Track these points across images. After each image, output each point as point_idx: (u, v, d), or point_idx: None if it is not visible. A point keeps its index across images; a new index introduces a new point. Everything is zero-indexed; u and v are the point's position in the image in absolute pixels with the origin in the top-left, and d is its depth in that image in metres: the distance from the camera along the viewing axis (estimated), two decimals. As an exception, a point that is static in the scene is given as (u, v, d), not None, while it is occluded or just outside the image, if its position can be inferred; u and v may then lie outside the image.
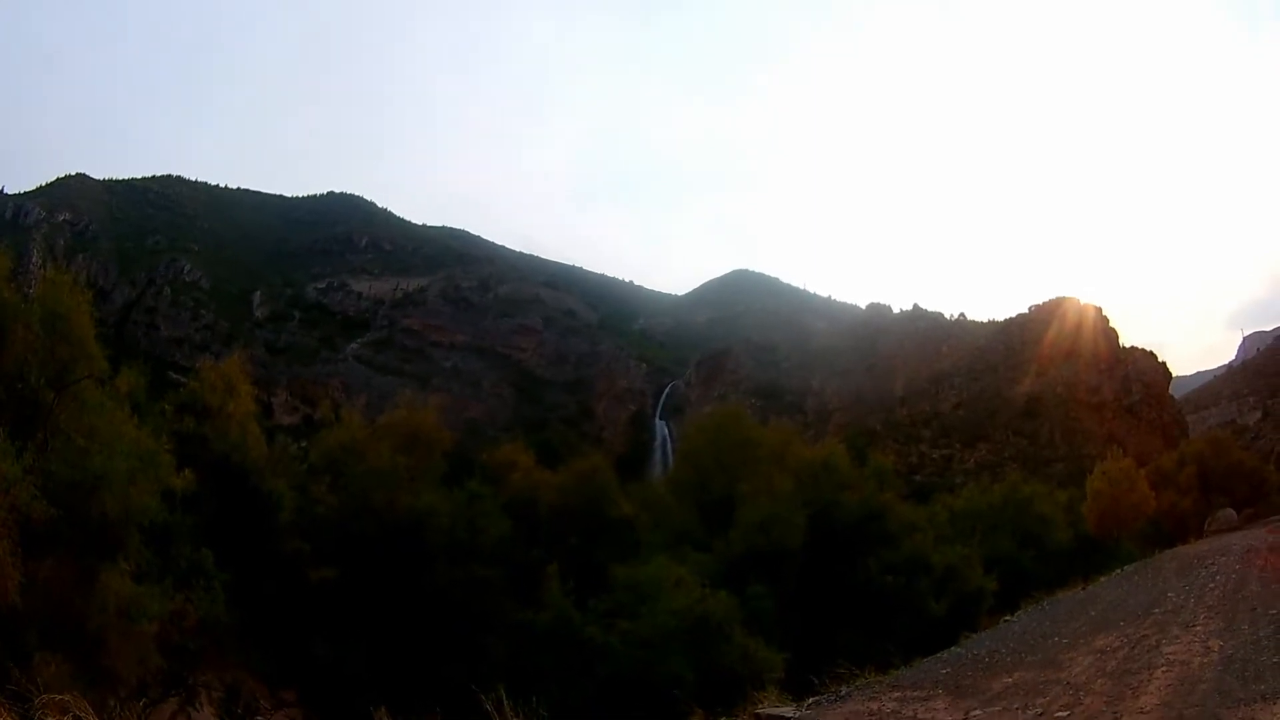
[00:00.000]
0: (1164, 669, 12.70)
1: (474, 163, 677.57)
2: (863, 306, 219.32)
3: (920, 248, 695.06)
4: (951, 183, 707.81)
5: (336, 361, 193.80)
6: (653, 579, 25.68)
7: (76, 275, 23.45)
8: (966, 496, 60.83)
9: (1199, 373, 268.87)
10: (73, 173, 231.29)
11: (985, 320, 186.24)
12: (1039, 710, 11.25)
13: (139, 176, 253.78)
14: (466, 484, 33.38)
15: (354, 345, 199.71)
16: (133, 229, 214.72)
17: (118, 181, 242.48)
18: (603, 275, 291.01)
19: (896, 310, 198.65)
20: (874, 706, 12.46)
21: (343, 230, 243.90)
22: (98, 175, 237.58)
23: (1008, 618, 24.61)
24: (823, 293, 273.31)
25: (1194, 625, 16.24)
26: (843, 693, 14.41)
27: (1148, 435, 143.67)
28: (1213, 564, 26.73)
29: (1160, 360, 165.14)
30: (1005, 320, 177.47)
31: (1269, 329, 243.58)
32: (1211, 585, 21.93)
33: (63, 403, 18.18)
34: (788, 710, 13.15)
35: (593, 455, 44.67)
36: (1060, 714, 10.91)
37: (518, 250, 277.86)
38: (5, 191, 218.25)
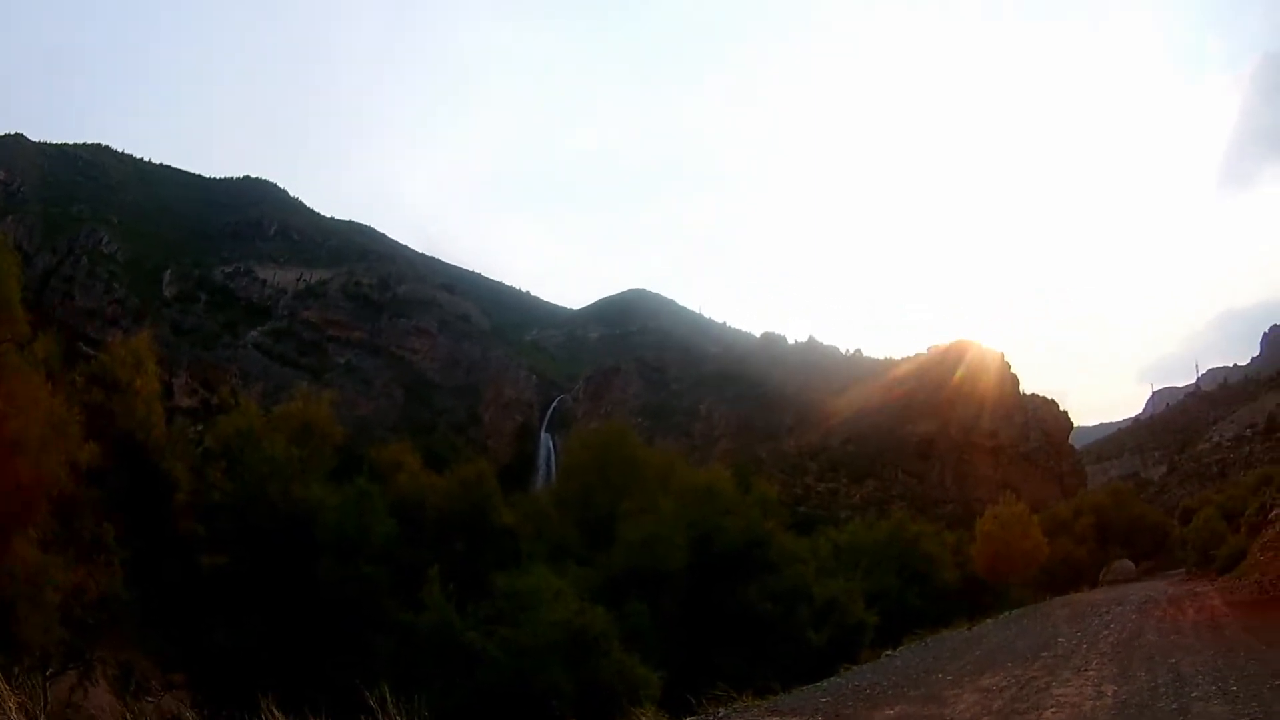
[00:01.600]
0: (1053, 709, 12.89)
1: (387, 156, 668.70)
2: (757, 335, 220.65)
3: (819, 280, 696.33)
4: (851, 218, 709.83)
5: (237, 347, 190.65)
6: (533, 589, 25.76)
7: (4, 237, 22.89)
8: (851, 531, 61.19)
9: (1102, 424, 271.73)
10: (11, 132, 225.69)
11: (882, 358, 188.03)
12: None
13: (71, 142, 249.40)
14: (355, 480, 33.27)
15: (254, 333, 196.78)
16: (62, 194, 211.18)
17: (52, 145, 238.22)
18: (500, 283, 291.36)
19: (792, 341, 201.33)
20: None
21: (255, 215, 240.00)
22: (35, 137, 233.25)
23: (889, 652, 25.05)
24: (718, 318, 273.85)
25: (1086, 670, 16.49)
26: (720, 714, 14.64)
27: (1044, 483, 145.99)
28: (1108, 613, 27.26)
29: (1061, 410, 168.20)
30: (902, 359, 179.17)
31: (1180, 385, 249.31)
32: (1106, 633, 22.33)
33: None
34: None
35: (477, 462, 44.56)
36: None
37: (420, 251, 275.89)
38: None
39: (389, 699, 11.36)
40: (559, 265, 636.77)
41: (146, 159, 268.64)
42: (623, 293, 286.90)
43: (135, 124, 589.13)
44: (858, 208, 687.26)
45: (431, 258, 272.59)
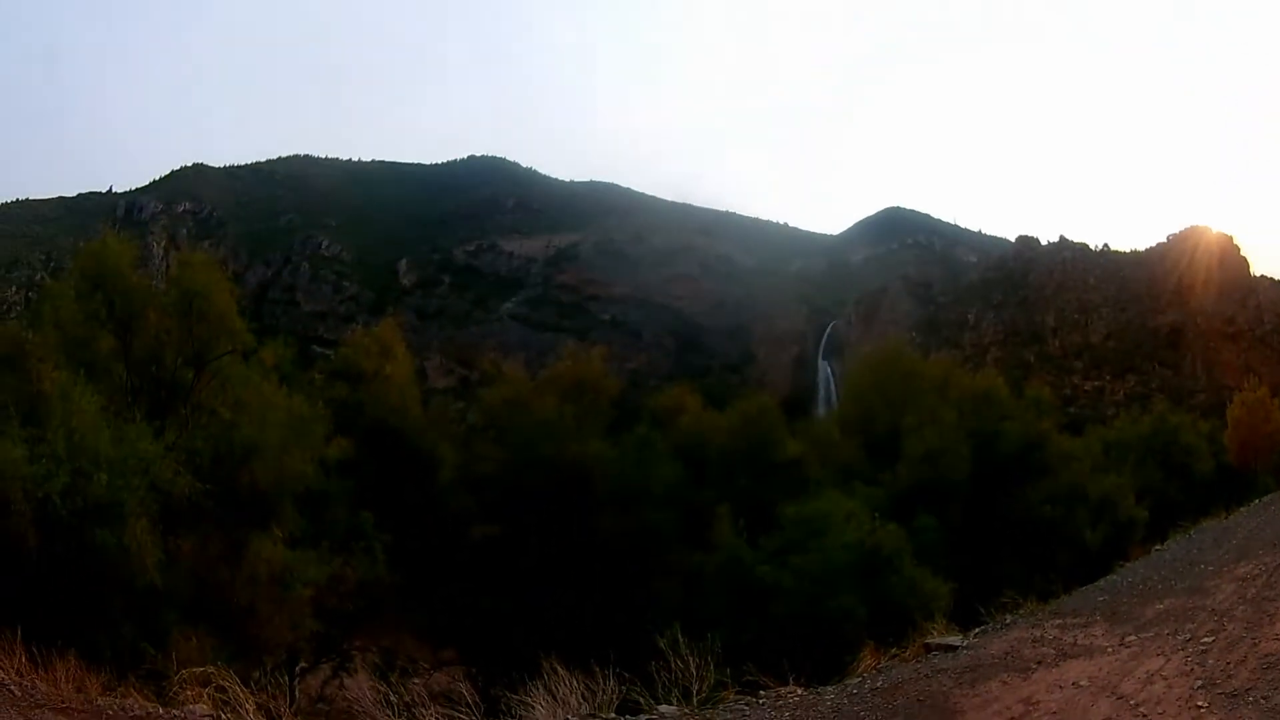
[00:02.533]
0: None
1: (616, 114, 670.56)
2: (1011, 239, 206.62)
3: (1062, 176, 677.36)
4: (1090, 110, 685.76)
5: (490, 322, 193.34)
6: (823, 514, 25.58)
7: (208, 256, 23.72)
8: (1119, 427, 60.09)
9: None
10: (189, 164, 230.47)
11: (1128, 250, 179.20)
12: (1187, 635, 11.54)
13: (263, 159, 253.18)
14: (635, 429, 33.63)
15: (508, 304, 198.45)
16: (261, 211, 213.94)
17: (240, 167, 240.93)
18: (756, 220, 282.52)
19: (1044, 242, 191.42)
20: (1037, 634, 12.80)
21: (488, 193, 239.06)
22: (216, 164, 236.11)
23: (1158, 547, 24.46)
24: (973, 227, 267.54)
25: None
26: (1007, 621, 14.76)
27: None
28: None
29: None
30: (1146, 250, 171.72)
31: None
32: None
33: (203, 380, 18.65)
34: (955, 639, 13.44)
35: (758, 396, 44.56)
36: (1206, 639, 11.20)
37: (669, 200, 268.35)
38: (115, 190, 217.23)
39: (680, 640, 11.60)
40: (813, 193, 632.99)
41: (355, 159, 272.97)
42: (878, 212, 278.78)
43: (334, 129, 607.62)
44: (1093, 102, 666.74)
45: (683, 204, 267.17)
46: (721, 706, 10.44)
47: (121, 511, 12.98)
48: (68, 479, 12.56)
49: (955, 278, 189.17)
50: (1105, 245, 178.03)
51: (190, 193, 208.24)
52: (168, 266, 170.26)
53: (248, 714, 8.75)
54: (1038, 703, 9.56)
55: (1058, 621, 13.68)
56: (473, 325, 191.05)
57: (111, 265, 19.08)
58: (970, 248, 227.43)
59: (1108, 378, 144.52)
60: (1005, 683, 10.36)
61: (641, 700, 10.54)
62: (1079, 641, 12.04)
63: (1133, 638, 11.84)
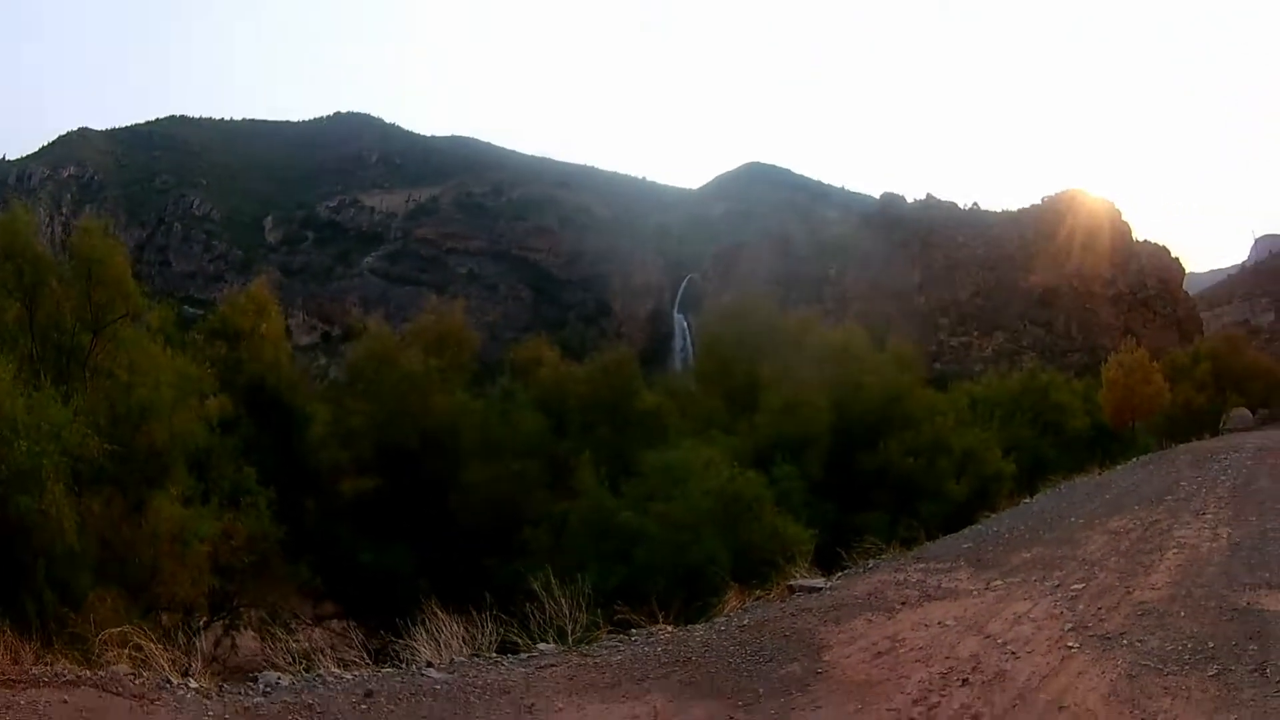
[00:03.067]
0: (1175, 551, 13.43)
1: (480, 69, 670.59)
2: (876, 196, 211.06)
3: (931, 137, 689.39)
4: (963, 70, 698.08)
5: (352, 277, 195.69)
6: (683, 462, 25.97)
7: (105, 222, 23.85)
8: (985, 383, 60.72)
9: (1213, 270, 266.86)
10: (75, 129, 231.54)
11: (999, 210, 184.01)
12: (1055, 582, 11.98)
13: (143, 121, 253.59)
14: (498, 381, 33.99)
15: (369, 259, 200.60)
16: (140, 173, 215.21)
17: (121, 129, 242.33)
18: (615, 173, 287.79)
19: (910, 200, 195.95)
20: (900, 576, 13.16)
21: (353, 148, 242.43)
22: (100, 127, 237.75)
23: (1026, 499, 25.26)
24: (836, 183, 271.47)
25: (1204, 514, 16.94)
26: (870, 565, 15.09)
27: (1162, 330, 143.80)
28: (1225, 459, 27.30)
29: (1173, 256, 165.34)
30: (1019, 210, 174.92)
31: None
32: (1223, 478, 22.51)
33: (100, 344, 18.77)
34: (819, 581, 13.75)
35: (617, 348, 45.09)
36: (1076, 586, 11.65)
37: (529, 154, 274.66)
38: (7, 159, 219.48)
39: (553, 583, 11.91)
40: (673, 147, 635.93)
41: (227, 118, 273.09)
42: (740, 167, 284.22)
43: (208, 89, 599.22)
44: (966, 61, 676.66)
45: (543, 158, 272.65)
46: (596, 644, 10.73)
47: (40, 477, 12.97)
48: None
49: (817, 233, 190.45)
50: (975, 204, 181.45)
51: (75, 158, 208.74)
52: (54, 232, 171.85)
53: (163, 670, 8.83)
54: (903, 639, 9.91)
55: (921, 565, 14.11)
56: (335, 281, 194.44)
57: (20, 235, 19.15)
58: (833, 204, 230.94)
59: (975, 334, 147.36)
60: (870, 621, 10.73)
61: (519, 641, 10.76)
62: (943, 585, 12.45)
63: (999, 583, 12.26)
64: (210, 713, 7.78)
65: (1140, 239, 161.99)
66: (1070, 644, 9.31)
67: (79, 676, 8.01)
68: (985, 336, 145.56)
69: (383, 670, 9.42)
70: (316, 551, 25.66)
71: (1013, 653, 9.15)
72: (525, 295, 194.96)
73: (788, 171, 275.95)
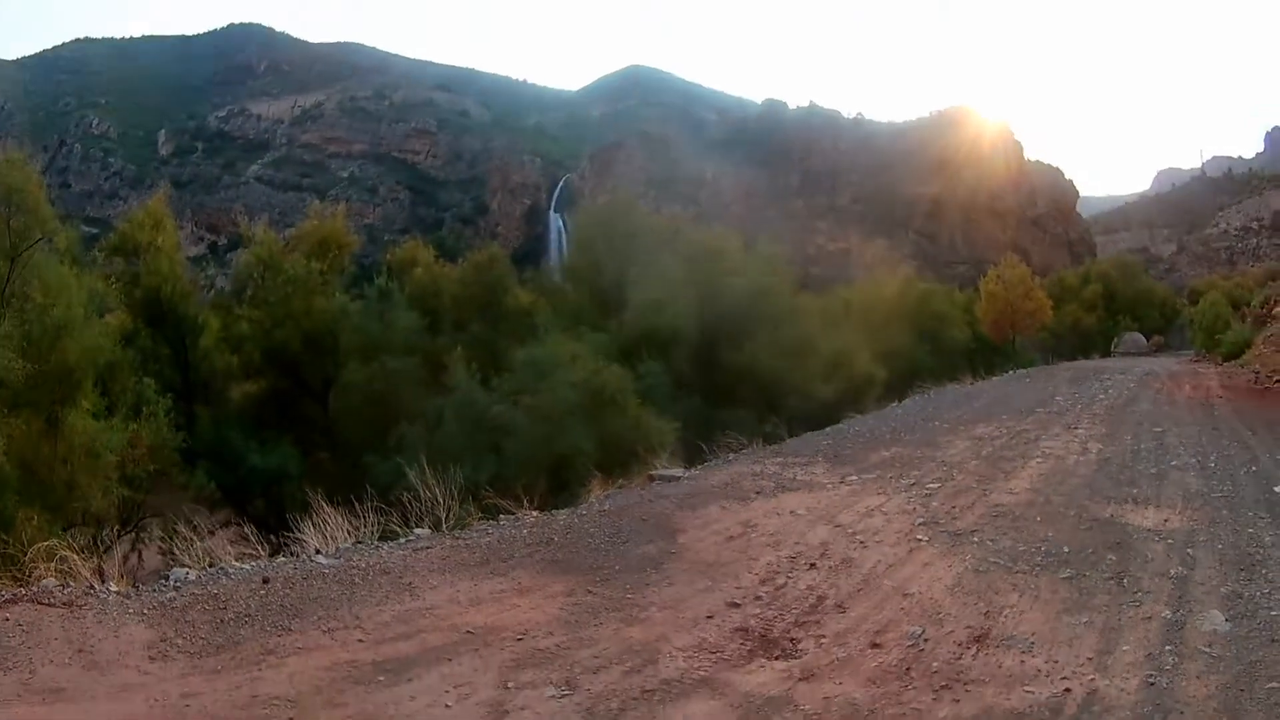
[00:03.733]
0: (1039, 460, 13.87)
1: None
2: (758, 102, 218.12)
3: (817, 46, 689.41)
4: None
5: (238, 186, 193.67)
6: (550, 356, 26.33)
7: (15, 152, 23.83)
8: (862, 289, 59.43)
9: (1110, 196, 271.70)
10: None
11: (884, 121, 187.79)
12: (911, 481, 12.41)
13: (50, 46, 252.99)
14: (375, 282, 34.24)
15: (255, 167, 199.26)
16: (47, 98, 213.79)
17: (29, 57, 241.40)
18: (496, 75, 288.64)
19: (793, 106, 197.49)
20: (757, 469, 13.54)
21: (242, 59, 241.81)
22: (11, 56, 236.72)
23: (896, 404, 25.87)
24: (718, 87, 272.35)
25: (1076, 428, 17.41)
26: (730, 459, 15.44)
27: (1053, 249, 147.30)
28: (1109, 379, 27.94)
29: (1067, 177, 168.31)
30: (904, 123, 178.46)
31: (1184, 168, 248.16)
32: (1103, 397, 23.04)
33: (16, 270, 18.99)
34: (678, 471, 14.13)
35: (488, 248, 45.47)
36: (931, 485, 12.09)
37: (412, 57, 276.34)
38: None
39: (428, 473, 12.20)
40: (555, 49, 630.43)
41: (125, 36, 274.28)
42: (620, 70, 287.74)
43: (111, 6, 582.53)
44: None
45: (424, 61, 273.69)
46: (468, 529, 11.16)
47: None
48: None
49: (696, 136, 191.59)
50: (860, 115, 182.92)
51: None
52: None
53: (86, 579, 9.08)
54: (755, 525, 10.34)
55: (779, 460, 14.49)
56: (222, 190, 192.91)
57: None
58: (712, 107, 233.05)
59: (855, 240, 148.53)
60: (724, 508, 11.18)
61: (399, 530, 11.16)
62: (798, 477, 12.85)
63: (854, 478, 12.68)
64: (130, 610, 8.13)
65: (1033, 159, 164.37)
66: (919, 536, 9.71)
67: (15, 594, 8.33)
68: (866, 242, 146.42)
69: (276, 560, 9.79)
70: (211, 458, 25.89)
71: (861, 542, 9.56)
72: (403, 197, 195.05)
73: (669, 75, 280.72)
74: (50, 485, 16.08)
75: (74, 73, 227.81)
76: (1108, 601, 7.62)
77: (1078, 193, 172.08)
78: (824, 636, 7.16)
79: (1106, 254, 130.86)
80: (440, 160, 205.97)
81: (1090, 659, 6.42)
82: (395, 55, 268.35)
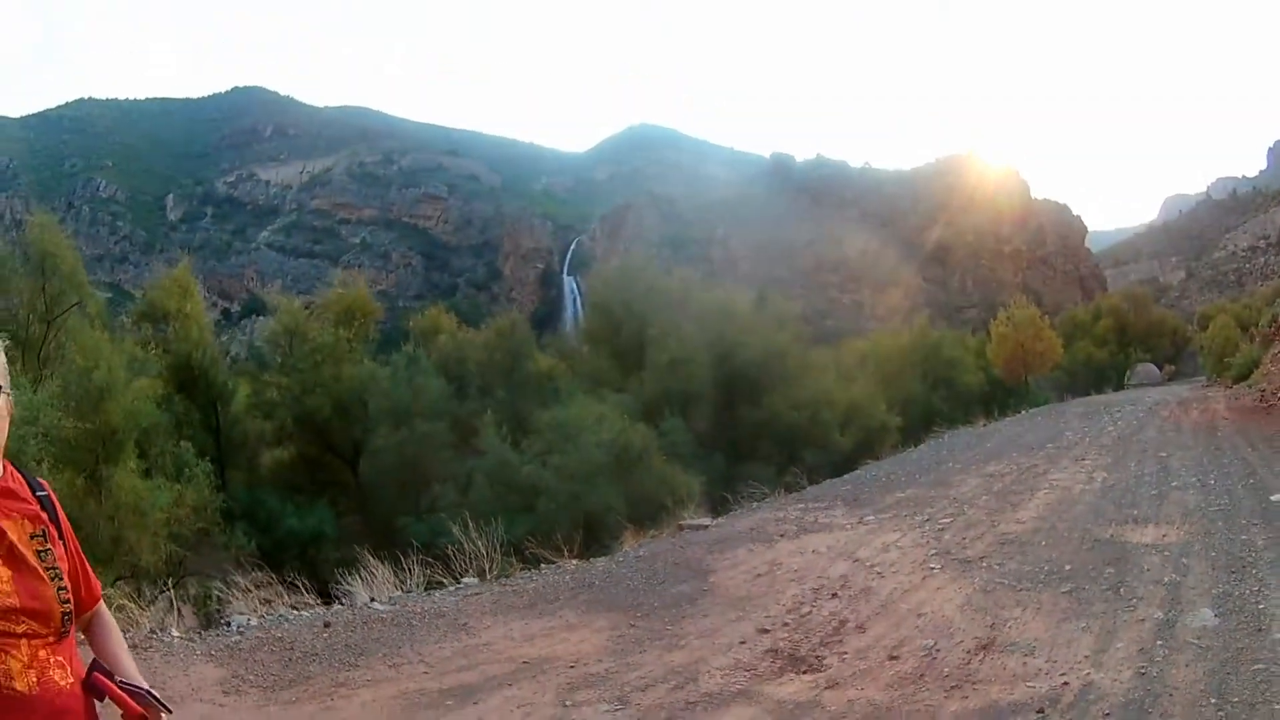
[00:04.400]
0: (1045, 491, 14.38)
1: (374, 40, 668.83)
2: (766, 156, 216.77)
3: (821, 99, 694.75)
4: (853, 31, 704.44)
5: (250, 251, 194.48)
6: (576, 418, 27.02)
7: (44, 217, 24.45)
8: (876, 340, 60.66)
9: (1119, 229, 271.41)
10: None
11: (891, 169, 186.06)
12: (925, 518, 13.00)
13: (54, 105, 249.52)
14: (402, 349, 34.96)
15: (265, 233, 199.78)
16: (50, 158, 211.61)
17: (33, 115, 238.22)
18: (503, 138, 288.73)
19: (800, 160, 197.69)
20: (780, 514, 14.17)
21: (249, 122, 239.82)
22: (15, 115, 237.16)
23: (911, 450, 26.36)
24: (725, 144, 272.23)
25: (1083, 460, 17.77)
26: (754, 507, 16.12)
27: (1065, 286, 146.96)
28: (1118, 412, 28.27)
29: (1074, 213, 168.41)
30: (912, 170, 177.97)
31: (1190, 193, 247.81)
32: (1111, 429, 23.38)
33: (52, 333, 19.83)
34: (706, 520, 14.82)
35: (510, 314, 46.47)
36: (944, 520, 12.68)
37: (420, 121, 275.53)
38: None
39: (470, 527, 12.86)
40: (562, 111, 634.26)
41: (130, 98, 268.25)
42: (626, 130, 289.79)
43: (114, 68, 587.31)
44: (859, 15, 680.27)
45: (433, 125, 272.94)
46: (513, 578, 11.79)
47: (24, 460, 13.36)
48: None
49: (704, 193, 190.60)
50: (867, 164, 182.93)
51: None
52: None
53: (144, 626, 9.54)
54: (780, 563, 11.00)
55: (800, 505, 15.12)
56: (233, 256, 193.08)
57: None
58: (720, 164, 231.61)
59: (867, 292, 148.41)
60: (751, 550, 11.83)
61: (444, 580, 11.75)
62: (819, 520, 13.49)
63: (871, 518, 13.30)
64: (197, 652, 8.61)
65: (1040, 198, 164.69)
66: (932, 565, 10.34)
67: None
68: (878, 294, 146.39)
69: (332, 607, 10.42)
70: (246, 520, 26.47)
71: (879, 573, 10.19)
72: (416, 263, 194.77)
73: (674, 132, 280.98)
74: (96, 539, 16.47)
75: (78, 133, 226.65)
76: (1104, 609, 8.15)
77: (1086, 228, 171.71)
78: (846, 653, 7.76)
79: (1117, 286, 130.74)
80: (451, 226, 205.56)
81: (1087, 657, 6.95)
82: (402, 119, 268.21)
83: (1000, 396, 47.83)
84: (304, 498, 29.45)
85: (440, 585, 11.74)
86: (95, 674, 2.67)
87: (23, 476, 2.78)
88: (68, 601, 2.63)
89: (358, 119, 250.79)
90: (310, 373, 31.91)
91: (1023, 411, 36.56)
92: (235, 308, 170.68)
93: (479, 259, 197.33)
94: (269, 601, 11.75)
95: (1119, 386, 52.65)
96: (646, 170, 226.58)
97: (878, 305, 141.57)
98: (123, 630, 8.32)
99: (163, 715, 2.70)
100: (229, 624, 9.83)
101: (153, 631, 9.38)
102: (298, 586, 11.97)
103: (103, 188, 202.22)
